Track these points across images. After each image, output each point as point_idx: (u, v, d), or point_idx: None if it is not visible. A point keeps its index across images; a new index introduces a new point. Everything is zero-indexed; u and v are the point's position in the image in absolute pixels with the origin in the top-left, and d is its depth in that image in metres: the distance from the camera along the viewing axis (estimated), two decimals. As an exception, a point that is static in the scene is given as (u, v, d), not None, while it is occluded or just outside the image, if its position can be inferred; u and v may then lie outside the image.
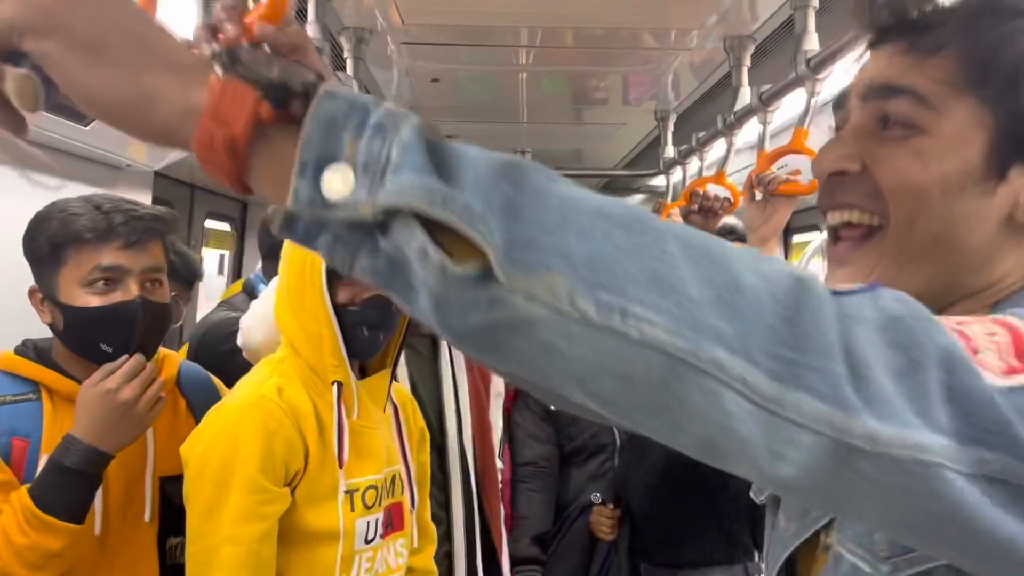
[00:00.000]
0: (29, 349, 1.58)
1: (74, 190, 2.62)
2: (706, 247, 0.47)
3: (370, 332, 1.56)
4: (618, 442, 2.66)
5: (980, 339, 0.52)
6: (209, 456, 1.44)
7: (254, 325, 1.96)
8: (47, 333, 2.25)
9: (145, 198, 3.22)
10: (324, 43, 2.06)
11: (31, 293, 1.55)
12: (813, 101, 1.85)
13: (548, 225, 0.45)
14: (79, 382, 1.47)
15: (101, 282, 1.48)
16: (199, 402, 1.67)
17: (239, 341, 1.99)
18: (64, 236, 1.48)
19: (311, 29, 1.98)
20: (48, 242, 1.49)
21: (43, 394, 1.52)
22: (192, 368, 1.77)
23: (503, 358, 0.47)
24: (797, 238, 4.81)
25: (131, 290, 1.49)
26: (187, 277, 2.80)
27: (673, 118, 3.35)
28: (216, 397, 1.69)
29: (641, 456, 2.52)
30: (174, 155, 3.09)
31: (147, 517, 1.54)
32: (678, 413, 0.46)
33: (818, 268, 4.99)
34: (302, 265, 1.53)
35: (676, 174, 3.35)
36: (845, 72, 1.79)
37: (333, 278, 1.51)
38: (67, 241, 1.48)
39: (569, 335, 0.44)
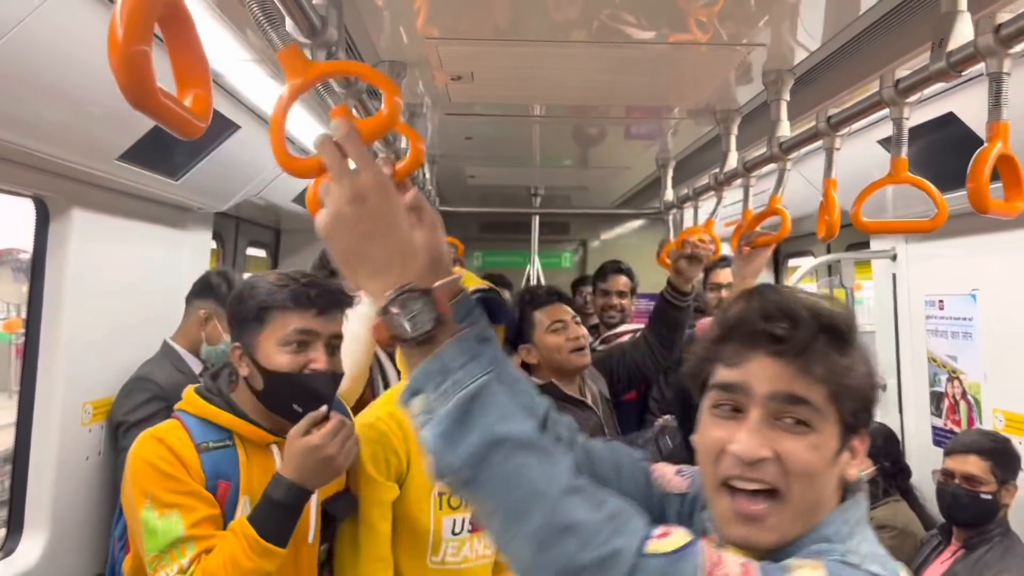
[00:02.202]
0: (216, 396, 1.81)
1: (152, 229, 3.07)
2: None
3: None
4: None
5: None
6: None
7: None
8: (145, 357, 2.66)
9: (207, 231, 3.68)
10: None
11: (232, 349, 1.82)
12: (785, 174, 2.31)
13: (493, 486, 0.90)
14: (268, 431, 1.79)
15: (295, 344, 1.75)
16: None
17: None
18: (270, 302, 1.76)
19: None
20: (256, 306, 1.76)
21: (236, 440, 1.77)
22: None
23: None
24: (791, 262, 5.33)
25: (320, 352, 1.76)
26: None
27: (672, 164, 3.78)
28: (346, 414, 2.02)
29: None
30: (234, 199, 3.55)
31: (310, 539, 1.82)
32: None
33: (811, 287, 5.49)
34: None
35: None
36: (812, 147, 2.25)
37: None
38: (272, 306, 1.75)
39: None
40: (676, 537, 0.90)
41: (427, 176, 3.64)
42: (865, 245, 3.98)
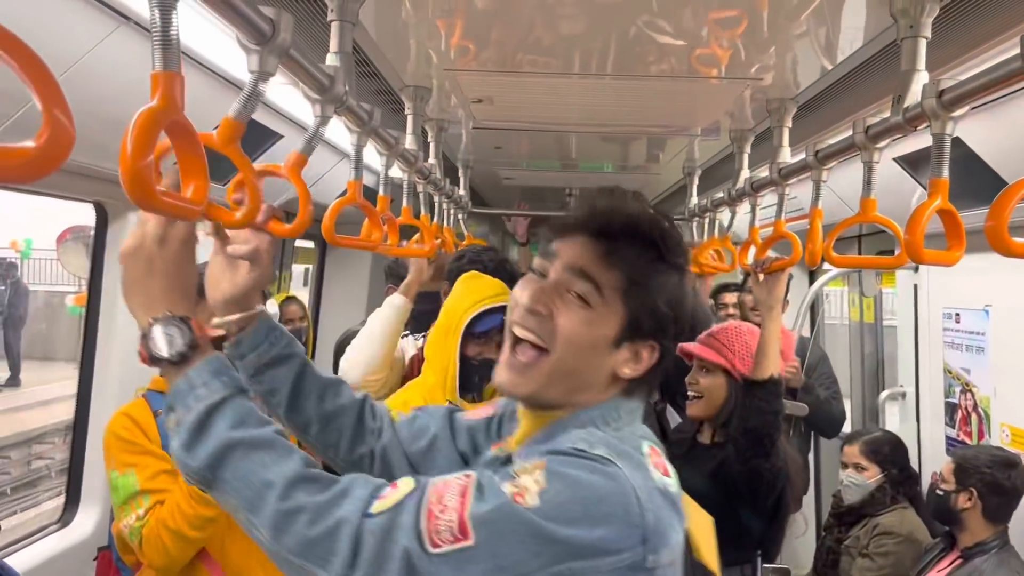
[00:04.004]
0: None
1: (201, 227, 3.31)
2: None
3: (479, 380, 2.26)
4: None
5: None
6: None
7: (350, 368, 2.60)
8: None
9: (254, 229, 3.91)
10: (416, 130, 2.65)
11: None
12: (785, 199, 2.43)
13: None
14: None
15: None
16: None
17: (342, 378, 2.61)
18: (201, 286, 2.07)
19: (409, 122, 2.57)
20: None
21: None
22: None
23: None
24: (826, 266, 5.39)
25: None
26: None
27: (698, 173, 3.90)
28: None
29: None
30: (279, 200, 3.78)
31: None
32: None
33: (840, 290, 5.50)
34: (451, 316, 2.24)
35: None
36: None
37: (468, 336, 2.22)
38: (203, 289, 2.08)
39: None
40: (400, 490, 0.98)
41: (461, 180, 3.82)
42: (891, 253, 4.03)
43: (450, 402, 2.20)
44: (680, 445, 2.74)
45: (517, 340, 1.13)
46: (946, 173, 1.44)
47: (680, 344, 3.13)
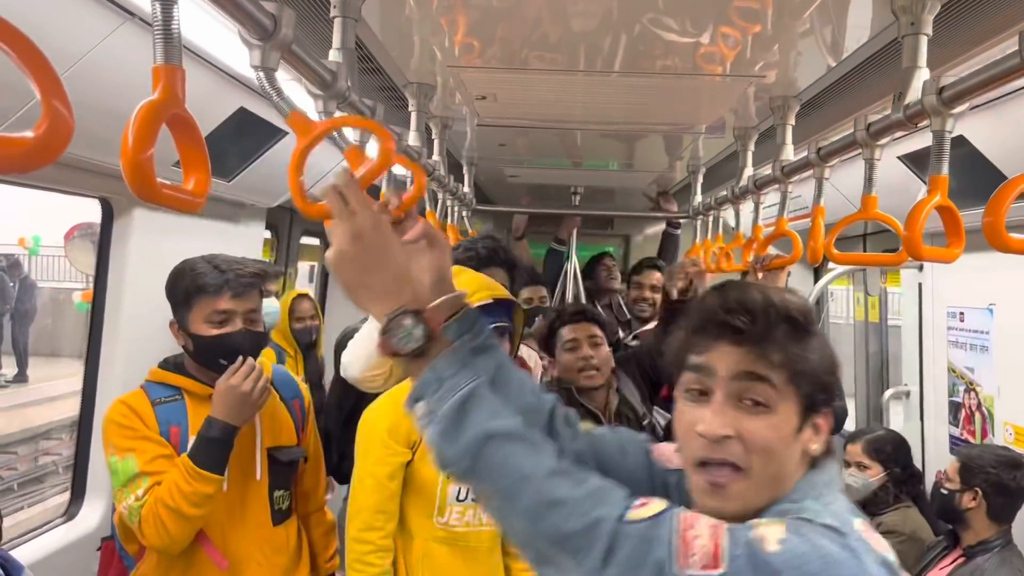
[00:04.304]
0: (169, 364, 2.24)
1: (208, 224, 3.33)
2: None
3: None
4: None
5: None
6: (366, 423, 2.28)
7: (351, 362, 2.60)
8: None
9: (260, 224, 3.93)
10: (420, 127, 2.67)
11: (171, 324, 2.22)
12: (787, 196, 2.43)
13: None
14: (208, 385, 2.15)
15: (217, 322, 2.14)
16: (287, 393, 2.39)
17: (343, 373, 2.59)
18: (193, 289, 2.14)
19: (412, 118, 2.58)
20: (183, 292, 2.16)
21: (184, 395, 2.18)
22: (280, 370, 2.49)
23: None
24: (830, 265, 5.38)
25: (237, 325, 2.15)
26: None
27: (703, 171, 3.90)
28: (296, 387, 2.43)
29: None
30: (283, 197, 3.80)
31: (258, 476, 2.21)
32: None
33: (845, 289, 5.50)
34: None
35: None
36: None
37: None
38: (195, 292, 2.14)
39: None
40: (653, 506, 1.02)
41: (465, 178, 3.83)
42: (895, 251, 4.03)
43: None
44: None
45: (706, 462, 1.11)
46: (946, 170, 1.44)
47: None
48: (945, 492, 2.84)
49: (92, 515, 2.72)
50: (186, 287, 2.16)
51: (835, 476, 1.17)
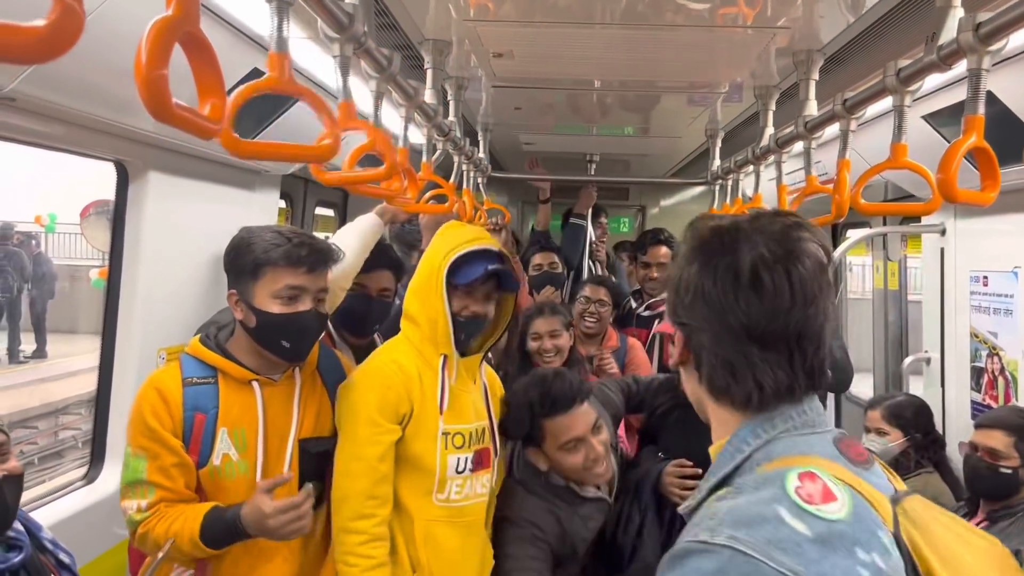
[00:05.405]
0: (211, 340, 2.06)
1: (223, 190, 3.31)
2: None
3: (466, 337, 2.22)
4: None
5: None
6: (346, 402, 2.12)
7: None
8: (215, 308, 2.89)
9: (275, 191, 3.91)
10: (436, 85, 2.63)
11: (229, 296, 2.05)
12: (812, 151, 2.39)
13: None
14: (250, 370, 2.01)
15: (286, 298, 1.97)
16: (332, 379, 2.21)
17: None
18: (264, 259, 1.97)
19: (428, 76, 2.54)
20: (252, 261, 1.98)
21: (219, 378, 2.00)
22: (328, 353, 2.29)
23: None
24: (849, 232, 5.32)
25: (307, 304, 1.99)
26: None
27: (721, 135, 3.84)
28: (343, 374, 2.24)
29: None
30: (297, 165, 3.77)
31: (286, 469, 2.03)
32: None
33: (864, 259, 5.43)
34: (429, 273, 2.17)
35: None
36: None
37: (451, 288, 2.15)
38: (266, 263, 1.97)
39: None
40: None
41: (480, 143, 3.79)
42: (918, 219, 3.97)
43: (444, 355, 2.16)
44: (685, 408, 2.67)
45: None
46: (982, 109, 1.40)
47: None
48: (1008, 471, 2.67)
49: (111, 478, 2.72)
50: (256, 257, 1.97)
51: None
